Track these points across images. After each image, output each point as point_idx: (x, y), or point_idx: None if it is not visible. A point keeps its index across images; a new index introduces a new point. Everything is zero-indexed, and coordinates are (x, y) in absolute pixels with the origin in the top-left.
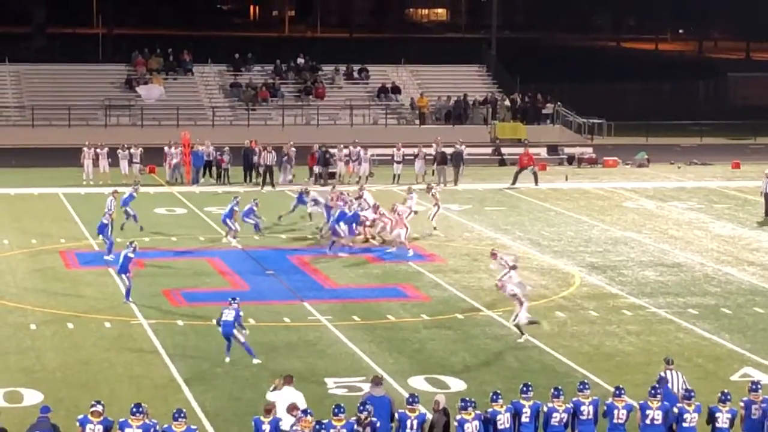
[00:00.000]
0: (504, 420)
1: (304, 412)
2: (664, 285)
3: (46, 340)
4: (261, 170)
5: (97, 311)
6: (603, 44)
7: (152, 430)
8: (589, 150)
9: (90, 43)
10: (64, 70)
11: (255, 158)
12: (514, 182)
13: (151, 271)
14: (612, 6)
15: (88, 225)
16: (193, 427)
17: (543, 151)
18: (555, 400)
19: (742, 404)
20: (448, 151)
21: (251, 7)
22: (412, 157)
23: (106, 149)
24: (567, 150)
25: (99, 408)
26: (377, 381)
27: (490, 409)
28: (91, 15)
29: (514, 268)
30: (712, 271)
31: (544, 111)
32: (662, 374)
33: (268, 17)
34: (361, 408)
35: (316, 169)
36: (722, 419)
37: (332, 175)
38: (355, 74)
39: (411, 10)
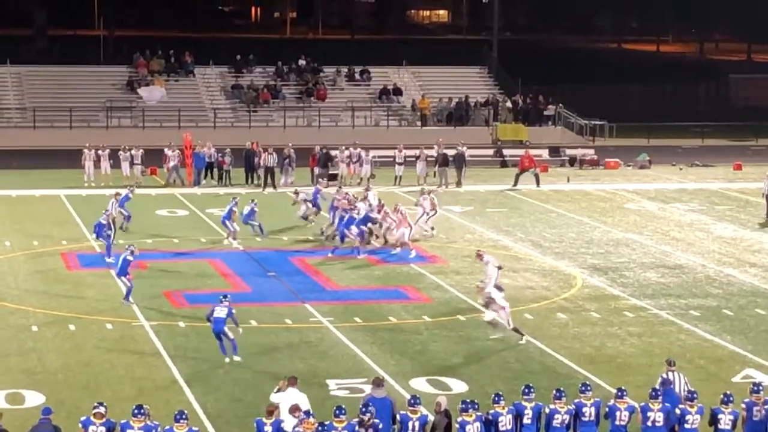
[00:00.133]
0: (506, 421)
1: (307, 413)
2: (666, 286)
3: (47, 341)
4: (261, 172)
5: (98, 313)
6: (604, 46)
7: (154, 431)
8: (591, 151)
9: (91, 45)
10: (65, 72)
11: (256, 160)
12: (515, 184)
13: (153, 273)
14: (613, 7)
15: (89, 226)
16: (194, 428)
17: (544, 153)
18: (557, 401)
19: (743, 406)
20: (450, 152)
21: (253, 9)
22: (414, 159)
23: (107, 151)
24: (568, 151)
25: (102, 410)
26: (378, 382)
27: (491, 411)
28: (92, 16)
29: (499, 268)
30: (714, 272)
31: (545, 112)
32: (666, 376)
33: (270, 19)
34: (364, 410)
35: (316, 170)
36: (725, 421)
37: (334, 177)
38: (357, 76)
39: (412, 11)
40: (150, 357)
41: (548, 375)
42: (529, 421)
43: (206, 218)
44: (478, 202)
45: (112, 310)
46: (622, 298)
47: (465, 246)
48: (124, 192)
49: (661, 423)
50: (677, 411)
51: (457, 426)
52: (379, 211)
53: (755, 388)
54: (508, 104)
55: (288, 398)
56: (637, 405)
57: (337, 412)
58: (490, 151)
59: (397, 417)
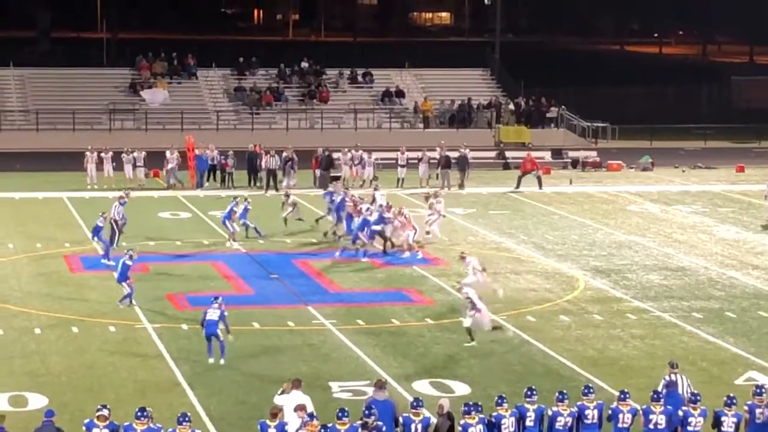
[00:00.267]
0: (508, 424)
1: (310, 416)
2: (669, 289)
3: (50, 344)
4: (263, 174)
5: (101, 315)
6: (607, 48)
7: None
8: (594, 154)
9: (94, 48)
10: (68, 75)
11: (259, 162)
12: (517, 186)
13: (155, 275)
14: (616, 10)
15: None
16: (197, 431)
17: (547, 155)
18: (559, 404)
19: (746, 408)
20: (453, 154)
21: (255, 11)
22: (416, 161)
23: (110, 153)
24: (571, 154)
25: (105, 412)
26: (380, 385)
27: (494, 413)
28: (95, 19)
29: (483, 270)
30: (717, 274)
31: (548, 115)
32: (671, 378)
33: (273, 21)
34: (368, 412)
35: (317, 172)
36: (728, 423)
37: (336, 179)
38: (359, 78)
39: (415, 14)
40: (153, 359)
41: (551, 377)
42: (531, 424)
43: (209, 220)
44: (480, 204)
45: (115, 313)
46: (625, 300)
47: (468, 248)
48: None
49: (663, 425)
50: (680, 413)
51: (460, 428)
52: (388, 210)
53: (758, 390)
54: (511, 106)
55: (292, 401)
56: (639, 407)
57: (340, 414)
58: (493, 154)
59: (400, 419)
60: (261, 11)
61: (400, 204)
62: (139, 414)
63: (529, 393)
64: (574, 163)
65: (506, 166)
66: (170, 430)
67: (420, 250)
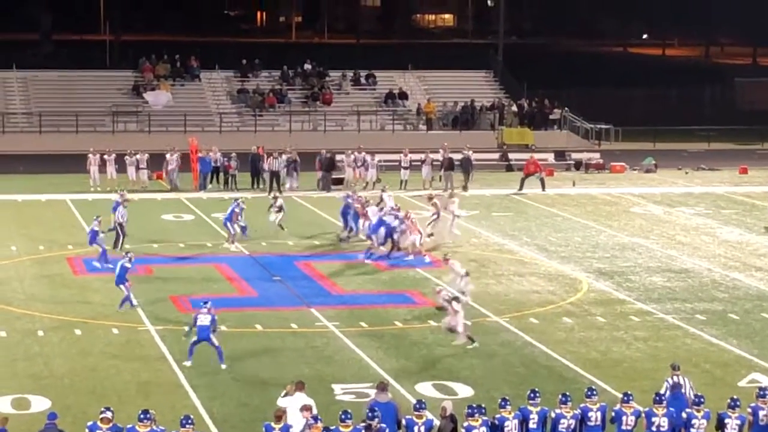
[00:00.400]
0: (512, 426)
1: (315, 418)
2: (672, 291)
3: (53, 346)
4: (266, 176)
5: (104, 317)
6: (610, 50)
7: None
8: (597, 155)
9: (97, 50)
10: (71, 77)
11: (262, 164)
12: (520, 188)
13: (159, 277)
14: (619, 12)
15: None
16: None
17: (550, 157)
18: (563, 406)
19: (749, 410)
20: (456, 156)
21: (258, 13)
22: (420, 163)
23: (113, 155)
24: (574, 155)
25: (108, 414)
26: (382, 387)
27: (497, 415)
28: (98, 21)
29: (466, 274)
30: (720, 276)
31: (551, 116)
32: (676, 380)
33: (276, 23)
34: (371, 415)
35: (319, 174)
36: (731, 425)
37: (340, 181)
38: (362, 80)
39: (418, 16)
40: (156, 361)
41: (554, 379)
42: (534, 426)
43: (212, 223)
44: (483, 206)
45: (118, 315)
46: (628, 302)
47: (471, 250)
48: (131, 197)
49: (666, 428)
50: (684, 415)
51: (463, 431)
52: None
53: (761, 392)
54: (514, 108)
55: (295, 403)
56: (642, 410)
57: (344, 416)
58: (496, 156)
59: (403, 421)
60: (264, 13)
61: (402, 206)
62: (142, 416)
63: (532, 395)
64: (577, 165)
65: (509, 168)
66: None
67: (427, 253)
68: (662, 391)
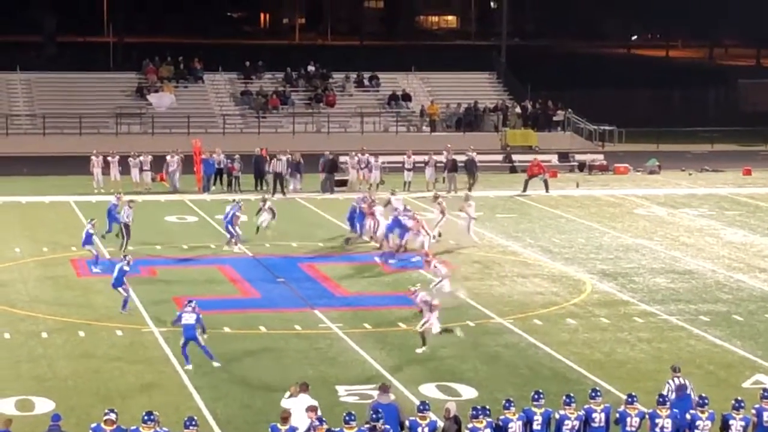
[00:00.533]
0: (516, 428)
1: (319, 420)
2: (676, 292)
3: (57, 348)
4: (270, 178)
5: (108, 319)
6: (613, 51)
7: None
8: (600, 157)
9: (100, 52)
10: (74, 79)
11: (265, 166)
12: (524, 189)
13: (162, 279)
14: (622, 13)
15: (99, 233)
16: None
17: (554, 158)
18: (566, 407)
19: (754, 411)
20: (459, 158)
21: (262, 15)
22: (423, 165)
23: (117, 157)
24: (578, 157)
25: (112, 416)
26: (385, 388)
27: (501, 417)
28: (101, 23)
29: (447, 276)
30: (724, 278)
31: (554, 118)
32: (677, 381)
33: (279, 25)
34: (375, 416)
35: (321, 176)
36: (736, 427)
37: (343, 183)
38: (366, 82)
39: (421, 17)
40: (159, 363)
41: (558, 381)
42: (539, 427)
43: (215, 224)
44: (487, 207)
45: (122, 317)
46: (632, 303)
47: (474, 252)
48: (136, 198)
49: (670, 429)
50: (688, 416)
51: None
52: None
53: (766, 393)
54: (517, 110)
55: (299, 404)
56: (647, 411)
57: (347, 418)
58: (500, 157)
59: (406, 423)
60: (267, 15)
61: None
62: (145, 418)
63: (536, 396)
64: (581, 167)
65: (513, 170)
66: None
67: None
68: (665, 392)
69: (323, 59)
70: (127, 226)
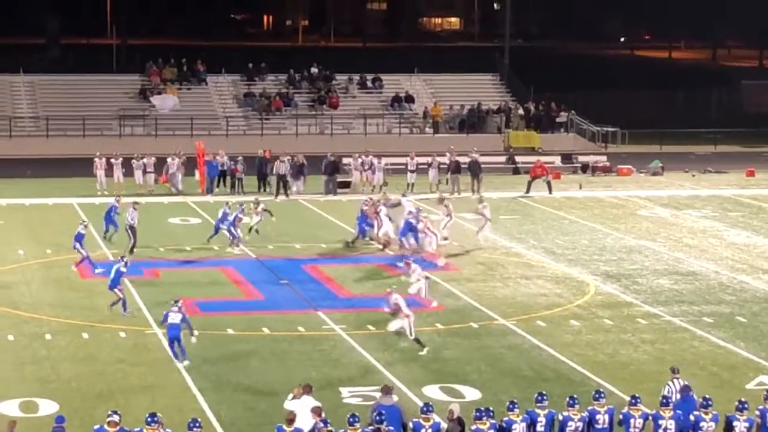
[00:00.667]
0: (519, 429)
1: (324, 422)
2: (679, 293)
3: (61, 350)
4: (273, 180)
5: (111, 321)
6: (616, 52)
7: None
8: (603, 158)
9: (104, 54)
10: (78, 81)
11: (268, 168)
12: (527, 191)
13: (166, 281)
14: (625, 14)
15: (102, 235)
16: None
17: (557, 160)
18: (570, 408)
19: (757, 413)
20: (462, 159)
21: (265, 17)
22: (426, 166)
23: (120, 159)
24: (581, 158)
25: (115, 418)
26: (387, 390)
27: (505, 418)
28: (104, 25)
29: (427, 278)
30: (727, 279)
31: (557, 119)
32: (678, 383)
33: (282, 27)
34: (379, 418)
35: (323, 178)
36: (739, 428)
37: (346, 185)
38: (369, 83)
39: (424, 19)
40: (163, 365)
41: (561, 382)
42: (542, 429)
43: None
44: (490, 209)
45: (126, 319)
46: (635, 305)
47: (478, 253)
48: (139, 200)
49: (673, 430)
50: (692, 418)
51: None
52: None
53: None
54: (520, 111)
55: (303, 406)
56: (650, 412)
57: (351, 420)
58: (503, 159)
59: (410, 425)
60: (270, 17)
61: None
62: (149, 419)
63: (539, 398)
64: (584, 168)
65: (516, 171)
66: None
67: (440, 256)
68: (667, 394)
69: (326, 61)
70: (132, 228)
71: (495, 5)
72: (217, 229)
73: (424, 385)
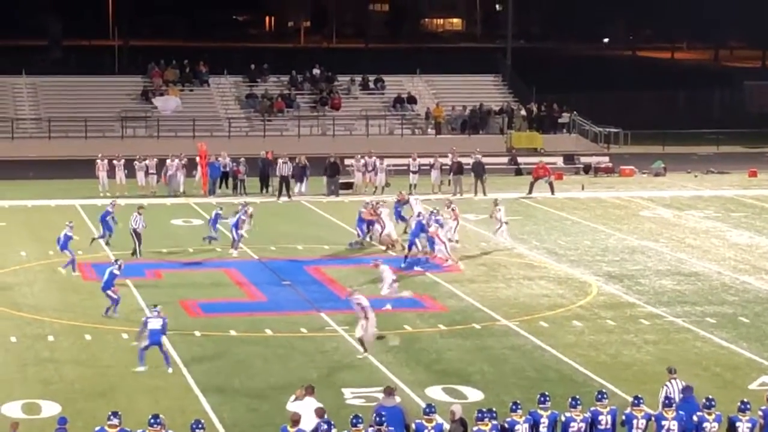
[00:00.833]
0: (522, 430)
1: (327, 423)
2: (682, 294)
3: (63, 351)
4: (275, 181)
5: (114, 322)
6: (618, 53)
7: None
8: (606, 159)
9: (106, 55)
10: (80, 82)
11: (271, 169)
12: (530, 192)
13: (168, 282)
14: (627, 15)
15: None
16: None
17: (559, 161)
18: (573, 409)
19: (760, 413)
20: (465, 160)
21: (267, 18)
22: (428, 167)
23: (122, 161)
24: (583, 159)
25: (115, 421)
26: (389, 391)
27: (508, 419)
28: (106, 27)
29: (395, 282)
30: (730, 279)
31: (560, 120)
32: (676, 384)
33: (284, 28)
34: (379, 419)
35: (324, 179)
36: (742, 428)
37: (349, 186)
38: (371, 84)
39: (426, 20)
40: (166, 366)
41: (564, 383)
42: (545, 430)
43: (221, 228)
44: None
45: (128, 320)
46: (638, 305)
47: (480, 254)
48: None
49: (676, 431)
50: (695, 418)
51: None
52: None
53: None
54: (523, 112)
55: (306, 407)
56: (653, 413)
57: (354, 421)
58: (505, 159)
59: (412, 426)
60: (272, 18)
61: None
62: (152, 421)
63: (542, 399)
64: (587, 169)
65: (518, 172)
66: None
67: (457, 261)
68: (667, 395)
69: (328, 62)
70: (137, 232)
71: (497, 6)
72: (214, 231)
73: (426, 386)
